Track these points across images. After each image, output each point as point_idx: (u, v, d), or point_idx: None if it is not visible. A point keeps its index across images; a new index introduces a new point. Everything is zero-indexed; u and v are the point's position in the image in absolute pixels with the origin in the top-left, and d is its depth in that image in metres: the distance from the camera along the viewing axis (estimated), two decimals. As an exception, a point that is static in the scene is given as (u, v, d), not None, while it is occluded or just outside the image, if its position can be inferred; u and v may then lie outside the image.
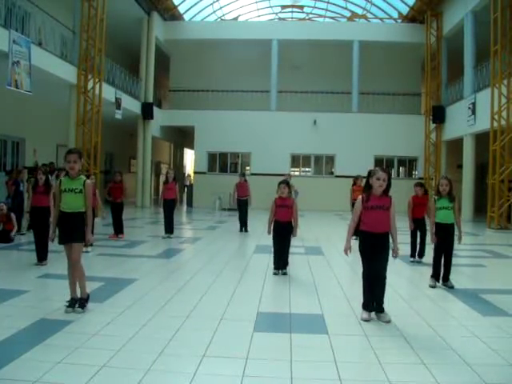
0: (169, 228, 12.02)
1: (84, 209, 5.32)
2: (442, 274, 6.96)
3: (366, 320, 5.15)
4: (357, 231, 5.48)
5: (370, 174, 5.28)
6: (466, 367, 3.95)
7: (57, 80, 15.27)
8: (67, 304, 5.22)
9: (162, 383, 3.61)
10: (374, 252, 5.23)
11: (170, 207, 11.99)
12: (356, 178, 12.82)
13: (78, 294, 5.31)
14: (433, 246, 7.06)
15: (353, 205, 12.22)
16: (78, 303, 5.22)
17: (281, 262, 7.78)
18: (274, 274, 7.70)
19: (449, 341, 4.52)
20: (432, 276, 7.03)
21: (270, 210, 7.85)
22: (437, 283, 6.94)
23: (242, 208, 13.83)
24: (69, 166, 5.29)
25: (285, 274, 7.69)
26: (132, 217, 17.52)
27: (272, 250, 8.03)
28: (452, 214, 6.88)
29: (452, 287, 6.83)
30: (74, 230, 5.24)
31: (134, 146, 23.86)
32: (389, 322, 5.12)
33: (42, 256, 7.98)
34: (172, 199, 11.95)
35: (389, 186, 5.21)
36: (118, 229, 11.75)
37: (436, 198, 6.99)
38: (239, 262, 9.44)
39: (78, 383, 3.49)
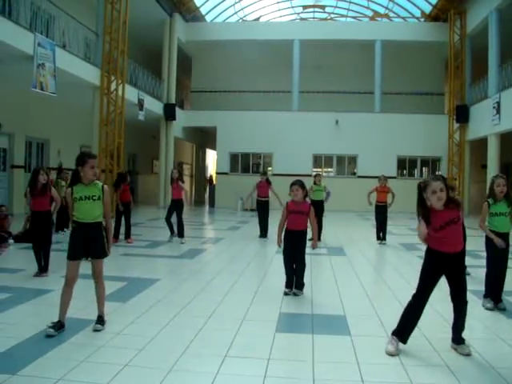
0: (180, 231, 11.28)
1: (101, 218, 4.83)
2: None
3: (391, 354, 4.23)
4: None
5: (423, 187, 4.30)
6: (491, 370, 3.89)
7: (80, 82, 15.43)
8: (51, 325, 4.52)
9: (183, 383, 3.62)
10: (447, 276, 4.39)
11: (173, 208, 11.39)
12: (379, 178, 12.20)
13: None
14: (485, 257, 6.11)
15: (376, 207, 12.12)
16: (98, 320, 4.75)
17: (294, 281, 6.49)
18: (285, 294, 6.38)
19: (473, 343, 4.44)
20: (486, 296, 5.91)
21: (281, 215, 6.60)
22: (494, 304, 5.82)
23: (262, 211, 12.84)
24: (92, 172, 4.75)
25: (295, 294, 6.38)
26: (154, 217, 17.64)
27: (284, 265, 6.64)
28: (508, 222, 5.81)
29: (504, 309, 5.72)
30: (95, 244, 4.76)
31: (156, 146, 23.99)
32: (468, 355, 4.23)
33: (43, 267, 7.20)
34: (177, 199, 11.39)
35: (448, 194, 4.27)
36: (127, 232, 11.09)
37: (490, 201, 5.82)
38: (261, 262, 9.45)
39: (101, 382, 3.52)
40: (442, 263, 4.31)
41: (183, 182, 11.54)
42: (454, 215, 4.25)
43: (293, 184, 6.46)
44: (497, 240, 5.73)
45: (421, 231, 4.32)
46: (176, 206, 11.40)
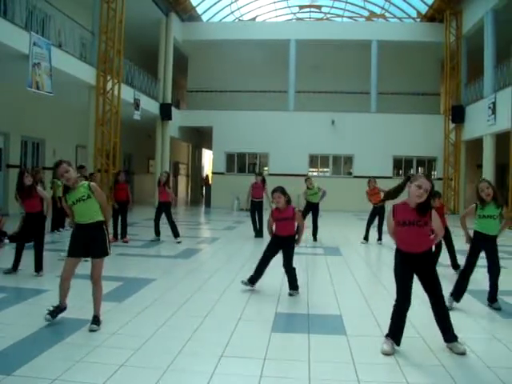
0: (174, 231, 11.29)
1: (102, 217, 4.91)
2: (463, 291, 5.85)
3: (387, 353, 4.22)
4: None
5: (412, 179, 4.32)
6: (486, 370, 3.90)
7: (76, 81, 15.41)
8: (51, 309, 4.80)
9: (179, 383, 3.62)
10: (419, 277, 4.40)
11: (161, 210, 11.47)
12: (369, 181, 12.17)
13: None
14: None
15: (373, 208, 12.11)
16: (93, 320, 4.72)
17: (289, 283, 6.50)
18: (242, 281, 6.63)
19: (469, 343, 4.45)
20: (451, 294, 5.79)
21: (268, 221, 6.67)
22: (455, 304, 5.77)
23: (255, 211, 12.77)
24: (65, 177, 4.81)
25: (291, 295, 6.36)
26: (150, 217, 17.58)
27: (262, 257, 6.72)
28: (498, 224, 5.74)
29: (499, 309, 5.70)
30: (95, 243, 4.82)
31: (152, 146, 23.95)
32: (464, 353, 4.22)
33: (37, 266, 7.14)
34: (163, 202, 11.46)
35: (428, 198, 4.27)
36: (123, 231, 11.09)
37: (478, 204, 5.73)
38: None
39: (97, 382, 3.51)
40: (406, 262, 4.35)
41: (169, 187, 11.64)
42: (420, 219, 4.25)
43: (274, 191, 6.39)
44: (465, 237, 5.97)
45: (389, 223, 4.48)
46: (163, 208, 11.44)
